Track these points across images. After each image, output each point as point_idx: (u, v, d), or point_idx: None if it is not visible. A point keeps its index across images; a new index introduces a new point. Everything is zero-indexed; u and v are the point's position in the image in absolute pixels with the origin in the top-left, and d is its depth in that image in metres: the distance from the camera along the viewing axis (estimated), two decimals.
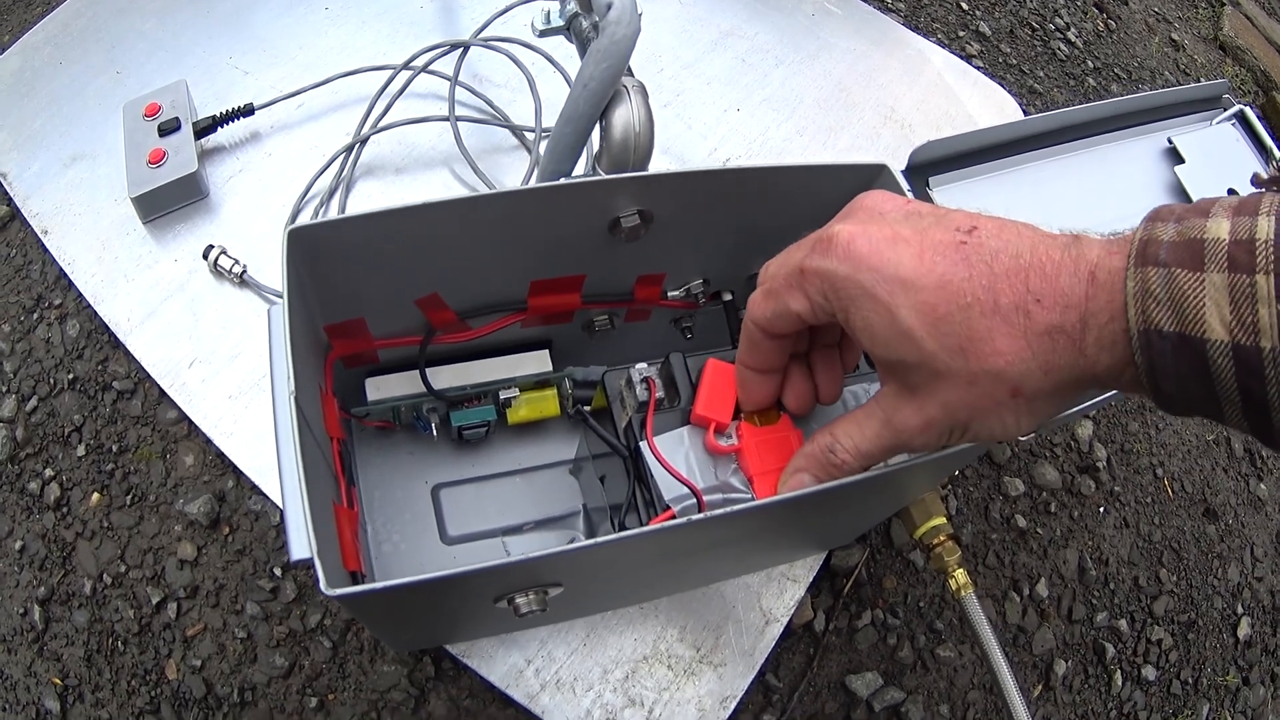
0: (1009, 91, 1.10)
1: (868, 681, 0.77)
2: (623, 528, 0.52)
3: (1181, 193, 0.63)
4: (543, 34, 0.68)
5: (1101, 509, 0.96)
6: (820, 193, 0.61)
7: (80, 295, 0.79)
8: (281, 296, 0.43)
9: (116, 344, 0.78)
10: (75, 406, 0.78)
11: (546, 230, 0.54)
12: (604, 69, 0.57)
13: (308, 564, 0.36)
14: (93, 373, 0.79)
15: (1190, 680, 0.92)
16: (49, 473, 0.76)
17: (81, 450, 0.76)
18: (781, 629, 0.71)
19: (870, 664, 0.79)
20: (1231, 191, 0.63)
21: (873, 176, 0.60)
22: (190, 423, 0.74)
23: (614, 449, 0.53)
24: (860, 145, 0.98)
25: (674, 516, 0.48)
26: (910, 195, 0.58)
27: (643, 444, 0.50)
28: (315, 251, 0.48)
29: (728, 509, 0.39)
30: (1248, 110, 0.66)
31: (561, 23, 0.67)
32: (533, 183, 0.79)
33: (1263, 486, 1.05)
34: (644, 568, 0.55)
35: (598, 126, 0.60)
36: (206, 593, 0.71)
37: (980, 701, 0.82)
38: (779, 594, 0.72)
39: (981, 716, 0.82)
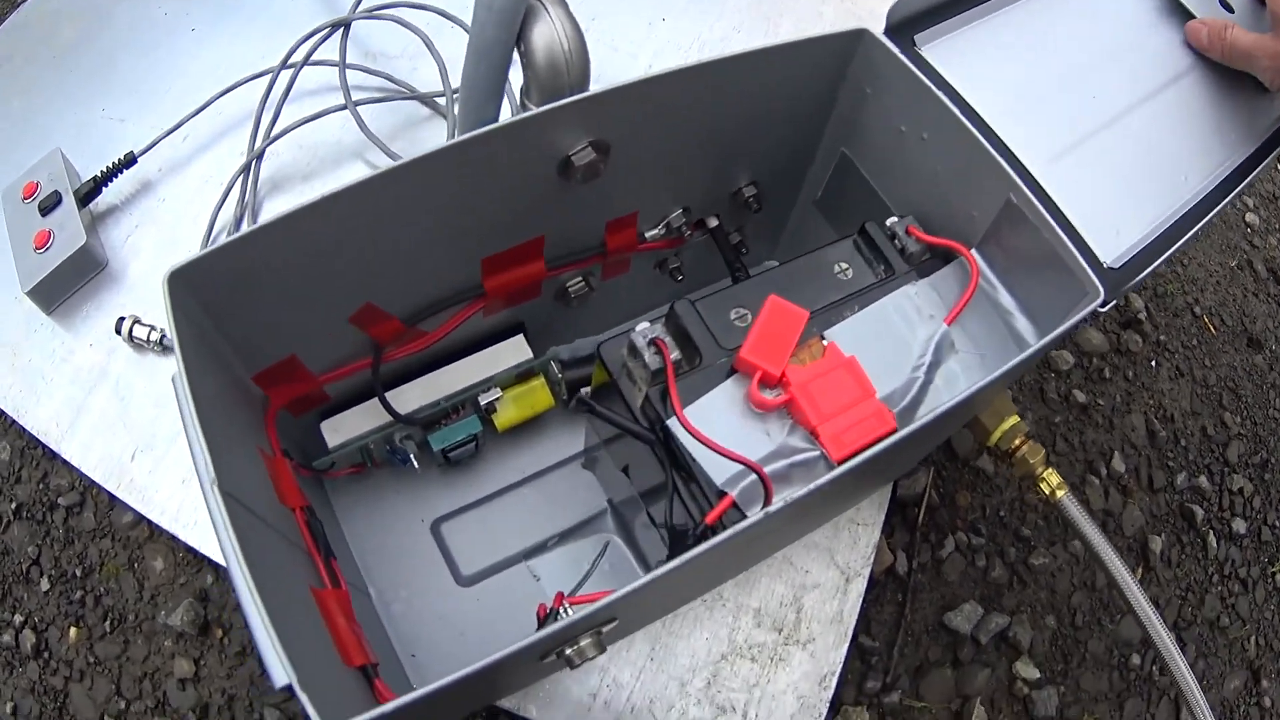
0: None
1: (967, 614, 0.70)
2: (668, 522, 0.43)
3: (1180, 7, 0.56)
4: None
5: (1153, 362, 0.89)
6: (793, 78, 0.51)
7: (1, 413, 0.69)
8: (176, 359, 0.34)
9: (52, 455, 0.69)
10: (27, 536, 0.69)
11: (483, 193, 0.44)
12: None
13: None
14: (35, 494, 0.71)
15: (1277, 523, 0.85)
16: (18, 619, 0.67)
17: (45, 584, 0.68)
18: (865, 583, 0.62)
19: (965, 594, 0.71)
20: (1224, 3, 0.56)
21: (852, 44, 0.51)
22: (149, 522, 0.65)
23: (636, 436, 0.43)
24: (805, 29, 0.88)
25: (733, 503, 0.38)
26: (902, 57, 0.49)
27: (671, 421, 0.40)
28: (209, 291, 0.38)
29: (812, 485, 0.29)
30: None
31: None
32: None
33: None
34: (706, 569, 0.46)
35: (517, 56, 0.50)
36: (218, 708, 0.62)
37: (1085, 603, 0.74)
38: (852, 544, 0.63)
39: (1089, 617, 0.74)
